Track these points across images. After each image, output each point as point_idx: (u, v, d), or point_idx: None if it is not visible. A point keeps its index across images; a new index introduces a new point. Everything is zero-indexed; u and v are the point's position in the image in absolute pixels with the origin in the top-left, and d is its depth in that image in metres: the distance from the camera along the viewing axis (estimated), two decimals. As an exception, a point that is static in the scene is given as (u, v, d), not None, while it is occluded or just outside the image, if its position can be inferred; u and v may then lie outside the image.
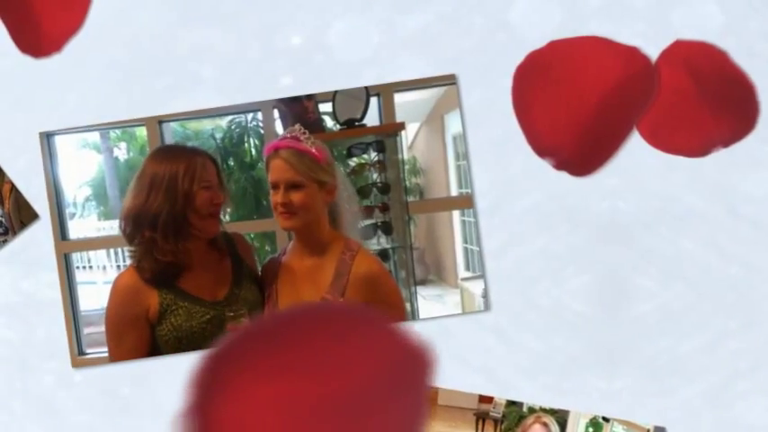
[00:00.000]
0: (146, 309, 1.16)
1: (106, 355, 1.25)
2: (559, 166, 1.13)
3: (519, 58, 1.12)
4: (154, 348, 1.18)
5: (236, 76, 1.16)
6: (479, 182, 1.16)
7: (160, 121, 1.20)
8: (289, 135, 1.17)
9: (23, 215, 1.17)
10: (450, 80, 1.15)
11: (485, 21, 1.15)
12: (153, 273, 1.16)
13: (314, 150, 1.16)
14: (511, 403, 1.14)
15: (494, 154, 1.15)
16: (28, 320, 1.17)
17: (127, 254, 1.20)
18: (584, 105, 1.12)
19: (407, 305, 1.24)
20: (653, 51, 1.11)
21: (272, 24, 1.15)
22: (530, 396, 1.14)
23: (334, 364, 0.37)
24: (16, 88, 1.16)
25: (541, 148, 1.13)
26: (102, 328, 1.21)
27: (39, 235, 1.17)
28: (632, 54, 1.12)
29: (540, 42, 1.12)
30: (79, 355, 1.19)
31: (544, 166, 1.12)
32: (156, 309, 1.16)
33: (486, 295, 1.15)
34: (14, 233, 1.18)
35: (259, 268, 1.26)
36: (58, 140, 1.19)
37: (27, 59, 1.15)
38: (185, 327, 1.16)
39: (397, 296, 1.20)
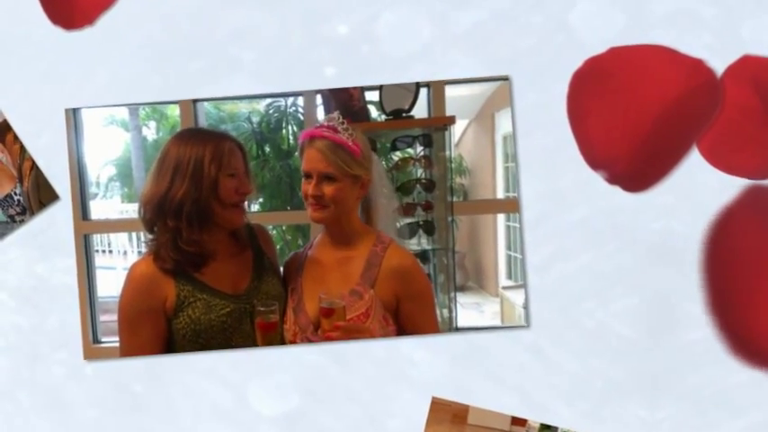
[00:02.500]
0: (162, 300, 1.14)
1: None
2: (612, 179, 1.11)
3: (577, 62, 1.09)
4: (169, 343, 1.15)
5: (276, 63, 1.13)
6: (526, 190, 1.13)
7: (194, 100, 1.17)
8: (326, 123, 1.15)
9: (43, 195, 1.15)
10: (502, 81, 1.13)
11: (543, 21, 1.12)
12: (175, 263, 1.13)
13: (350, 143, 1.13)
14: (545, 427, 1.12)
15: (544, 162, 1.13)
16: (40, 307, 1.15)
17: (144, 241, 1.17)
18: (642, 117, 1.09)
19: (445, 311, 1.22)
20: (719, 65, 1.08)
21: (318, 11, 1.13)
22: (566, 421, 1.12)
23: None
24: (44, 61, 1.14)
25: (594, 160, 1.11)
26: (119, 318, 1.18)
27: (58, 217, 1.15)
28: (697, 66, 1.09)
29: (600, 48, 1.10)
30: (94, 344, 1.17)
31: (596, 179, 1.10)
32: (173, 300, 1.14)
33: (526, 309, 1.13)
34: (32, 213, 1.15)
35: (283, 262, 1.24)
36: (84, 115, 1.16)
37: (57, 31, 1.13)
38: (204, 320, 1.13)
39: (428, 291, 1.18)
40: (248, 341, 1.14)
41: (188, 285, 1.14)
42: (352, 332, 1.11)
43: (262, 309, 1.14)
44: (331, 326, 1.11)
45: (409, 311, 1.14)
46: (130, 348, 1.15)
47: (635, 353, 1.12)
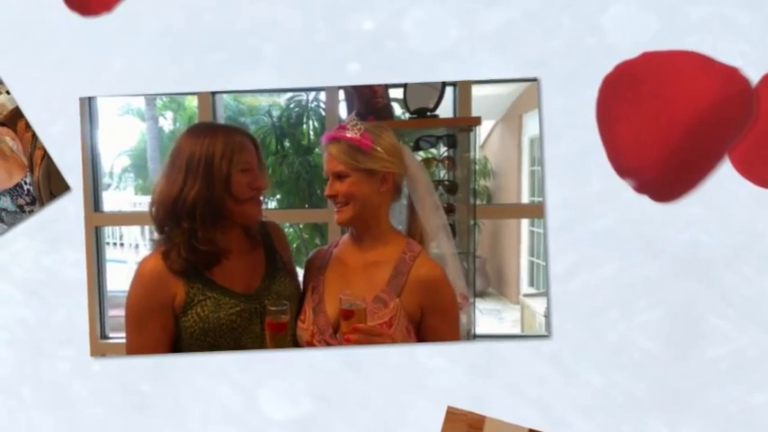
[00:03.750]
0: (171, 297, 1.12)
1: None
2: (640, 188, 1.09)
3: (608, 67, 1.08)
4: (176, 342, 1.14)
5: (299, 58, 1.12)
6: (552, 196, 1.12)
7: (213, 91, 1.15)
8: (341, 125, 1.15)
9: (53, 185, 1.13)
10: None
11: (574, 23, 1.11)
12: (187, 263, 1.12)
13: (358, 137, 1.12)
14: (563, 441, 1.10)
15: (570, 168, 1.11)
16: (47, 301, 1.13)
17: (152, 240, 1.16)
18: (673, 125, 1.08)
19: (464, 317, 1.20)
20: (754, 74, 1.07)
21: (342, 5, 1.11)
22: (585, 435, 1.10)
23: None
24: (59, 47, 1.12)
25: (623, 168, 1.09)
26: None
27: (68, 209, 1.13)
28: (731, 75, 1.08)
29: (632, 52, 1.08)
30: (101, 339, 1.15)
31: (623, 188, 1.09)
32: (182, 298, 1.12)
33: (548, 318, 1.11)
34: (42, 204, 1.14)
35: (302, 260, 1.22)
36: (99, 103, 1.15)
37: (73, 17, 1.12)
38: (213, 318, 1.12)
39: (454, 307, 1.16)
40: (258, 342, 1.13)
41: (197, 283, 1.13)
42: (373, 336, 1.10)
43: (273, 308, 1.13)
44: (350, 328, 1.09)
45: (433, 325, 1.13)
46: (137, 346, 1.13)
47: (657, 367, 1.11)
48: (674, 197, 1.10)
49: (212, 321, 1.12)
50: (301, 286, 1.20)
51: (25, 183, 1.14)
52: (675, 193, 1.10)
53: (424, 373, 1.12)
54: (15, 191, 1.14)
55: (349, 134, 1.13)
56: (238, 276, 1.15)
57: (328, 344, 1.12)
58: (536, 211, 1.15)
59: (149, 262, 1.14)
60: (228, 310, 1.12)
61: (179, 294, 1.12)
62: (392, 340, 1.10)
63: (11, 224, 1.14)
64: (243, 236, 1.17)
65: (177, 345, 1.14)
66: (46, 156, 1.12)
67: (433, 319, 1.13)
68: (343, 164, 1.13)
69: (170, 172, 1.12)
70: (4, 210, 1.14)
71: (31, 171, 1.14)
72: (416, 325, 1.13)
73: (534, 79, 1.11)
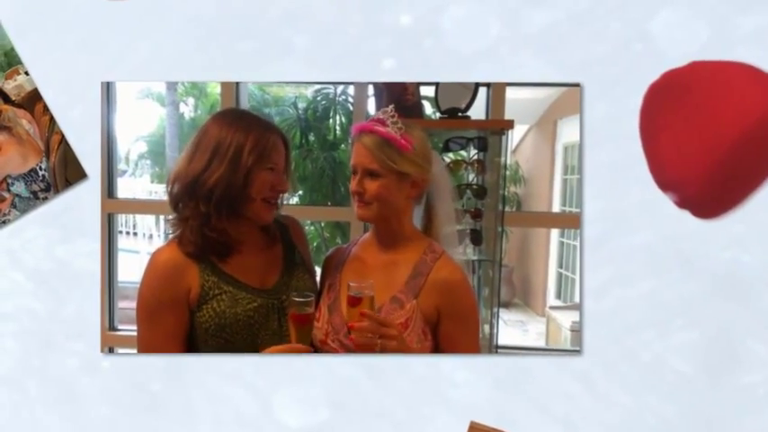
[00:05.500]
0: (186, 290, 1.09)
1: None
2: (682, 203, 1.06)
3: (654, 75, 1.05)
4: (190, 339, 1.11)
5: (331, 51, 1.09)
6: (589, 207, 1.09)
7: (239, 82, 1.13)
8: (377, 117, 1.11)
9: (70, 172, 1.10)
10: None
11: (621, 27, 1.08)
12: (197, 247, 1.09)
13: (399, 137, 1.08)
14: (589, 463, 1.08)
15: (610, 179, 1.09)
16: (58, 292, 1.11)
17: (168, 223, 1.12)
18: (720, 139, 1.05)
19: (486, 327, 1.17)
20: (806, 89, 1.04)
21: (379, -2, 1.09)
22: (612, 458, 1.08)
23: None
24: (83, 29, 1.10)
25: (664, 181, 1.07)
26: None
27: (84, 197, 1.11)
28: (782, 89, 1.05)
29: (680, 61, 1.06)
30: (110, 330, 1.12)
31: (664, 201, 1.06)
32: (197, 291, 1.09)
33: (579, 332, 1.08)
34: (57, 191, 1.11)
35: (321, 259, 1.20)
36: (118, 85, 1.12)
37: (99, -2, 1.09)
38: (229, 313, 1.09)
39: (474, 313, 1.13)
40: (275, 339, 1.10)
41: (213, 276, 1.10)
42: (382, 326, 1.04)
43: (297, 299, 1.08)
44: (356, 315, 1.04)
45: (450, 331, 1.10)
46: (149, 341, 1.10)
47: (691, 391, 1.08)
48: (717, 214, 1.07)
49: (229, 317, 1.09)
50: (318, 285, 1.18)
51: (40, 168, 1.11)
52: (718, 210, 1.07)
53: (448, 386, 1.09)
54: (30, 176, 1.11)
55: (388, 130, 1.09)
56: (255, 271, 1.13)
57: (342, 344, 1.09)
58: (567, 221, 1.13)
59: (163, 253, 1.12)
60: (246, 305, 1.10)
61: (194, 287, 1.09)
62: (402, 339, 1.06)
63: (23, 211, 1.11)
64: (258, 231, 1.15)
65: (191, 343, 1.11)
66: (63, 141, 1.10)
67: (450, 324, 1.10)
68: (378, 162, 1.09)
69: (194, 151, 1.09)
70: (17, 195, 1.11)
71: (47, 156, 1.11)
72: (433, 328, 1.10)
73: (577, 84, 1.08)
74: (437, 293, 1.09)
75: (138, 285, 1.10)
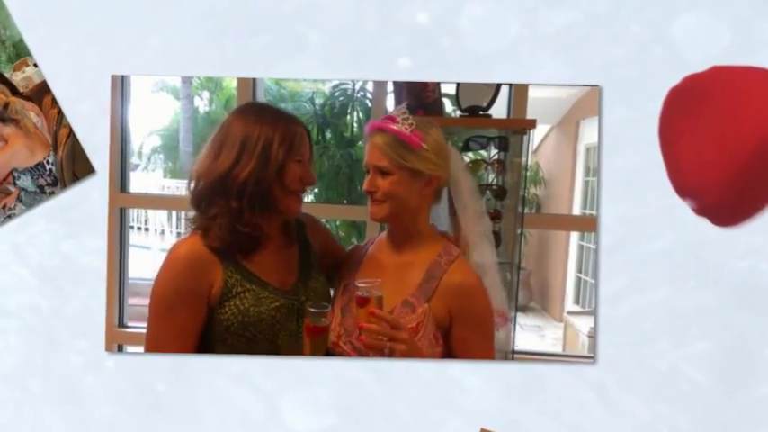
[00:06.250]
0: (208, 285, 1.07)
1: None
2: (700, 211, 1.05)
3: (674, 79, 1.04)
4: (203, 338, 1.08)
5: (347, 48, 1.08)
6: (606, 212, 1.08)
7: (253, 77, 1.11)
8: (389, 115, 1.10)
9: (77, 167, 1.09)
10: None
11: (642, 30, 1.07)
12: (224, 243, 1.07)
13: (408, 134, 1.08)
14: (601, 473, 1.06)
15: (627, 184, 1.07)
16: (63, 289, 1.09)
17: (189, 221, 1.10)
18: (740, 145, 1.03)
19: (501, 335, 1.16)
20: (829, 96, 1.03)
21: (396, -5, 1.08)
22: (625, 469, 1.07)
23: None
24: (94, 21, 1.08)
25: (683, 187, 1.05)
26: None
27: (92, 193, 1.09)
28: (805, 96, 1.04)
29: (701, 65, 1.04)
30: (118, 327, 1.10)
31: (682, 208, 1.05)
32: (219, 287, 1.07)
33: (594, 342, 1.07)
34: (64, 186, 1.10)
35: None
36: (132, 78, 1.10)
37: (110, -10, 1.08)
38: (253, 312, 1.07)
39: (488, 319, 1.11)
40: (293, 339, 1.08)
41: (236, 273, 1.08)
42: (392, 326, 1.04)
43: (312, 310, 1.08)
44: (365, 315, 1.04)
45: (463, 337, 1.08)
46: (161, 336, 1.07)
47: (706, 401, 1.07)
48: (736, 222, 1.06)
49: (253, 315, 1.08)
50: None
51: (48, 162, 1.10)
52: (737, 219, 1.06)
53: (458, 392, 1.08)
54: (37, 170, 1.10)
55: (398, 127, 1.08)
56: (275, 270, 1.12)
57: (354, 347, 1.08)
58: (588, 225, 1.11)
59: (186, 245, 1.09)
60: (269, 304, 1.09)
61: (217, 283, 1.07)
62: (413, 343, 1.05)
63: (29, 205, 1.10)
64: (280, 229, 1.14)
65: (204, 342, 1.08)
66: (71, 135, 1.08)
67: (462, 329, 1.08)
68: (388, 159, 1.08)
69: (219, 147, 1.07)
70: (23, 189, 1.10)
71: (55, 150, 1.09)
72: (445, 333, 1.08)
73: (596, 86, 1.07)
74: (450, 298, 1.08)
75: (155, 278, 1.07)
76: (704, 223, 1.05)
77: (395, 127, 1.08)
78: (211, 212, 1.07)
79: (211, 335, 1.08)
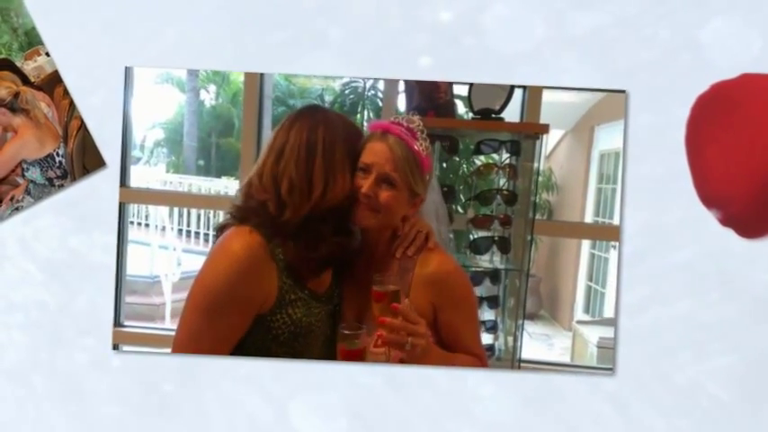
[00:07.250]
0: (266, 292, 1.00)
1: (148, 332, 1.15)
2: (726, 221, 1.03)
3: (703, 86, 1.02)
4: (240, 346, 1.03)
5: (367, 45, 1.06)
6: (628, 221, 1.05)
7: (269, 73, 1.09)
8: (405, 124, 1.06)
9: (88, 160, 1.07)
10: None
11: (671, 35, 1.05)
12: (301, 259, 1.02)
13: (424, 155, 1.05)
14: (617, 488, 1.04)
15: (651, 192, 1.05)
16: (70, 285, 1.07)
17: (235, 208, 1.03)
18: (768, 156, 1.02)
19: (510, 339, 1.14)
20: None
21: (419, -8, 1.06)
22: (641, 484, 1.04)
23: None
24: (108, 12, 1.06)
25: (709, 197, 1.03)
26: (150, 300, 1.10)
27: (102, 186, 1.07)
28: (836, 106, 1.02)
29: (730, 73, 1.02)
30: (115, 327, 1.07)
31: (707, 218, 1.03)
32: (274, 295, 1.01)
33: (613, 351, 1.05)
34: (74, 179, 1.08)
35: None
36: (136, 69, 1.07)
37: (126, -20, 1.06)
38: (305, 322, 1.02)
39: (469, 298, 1.09)
40: (325, 345, 1.05)
41: (289, 279, 1.02)
42: (410, 321, 1.00)
43: (346, 332, 1.03)
44: (383, 311, 1.00)
45: (449, 321, 1.05)
46: (201, 338, 1.00)
47: (727, 417, 1.05)
48: (762, 234, 1.04)
49: (304, 326, 1.03)
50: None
51: (57, 154, 1.08)
52: (763, 230, 1.04)
53: (472, 400, 1.06)
54: (46, 162, 1.08)
55: (416, 147, 1.05)
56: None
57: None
58: (601, 233, 1.10)
59: (243, 240, 0.99)
60: (316, 315, 1.04)
61: (273, 289, 1.00)
62: (428, 338, 1.02)
63: (38, 198, 1.08)
64: None
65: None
66: (83, 127, 1.07)
67: (447, 314, 1.06)
68: (400, 172, 1.04)
69: (310, 167, 1.02)
70: (32, 181, 1.08)
71: (65, 142, 1.08)
72: (432, 323, 1.05)
73: (622, 91, 1.05)
74: (429, 289, 1.05)
75: (202, 270, 1.00)
76: (729, 234, 1.03)
77: (415, 145, 1.05)
78: (290, 221, 1.01)
79: (252, 343, 1.02)
